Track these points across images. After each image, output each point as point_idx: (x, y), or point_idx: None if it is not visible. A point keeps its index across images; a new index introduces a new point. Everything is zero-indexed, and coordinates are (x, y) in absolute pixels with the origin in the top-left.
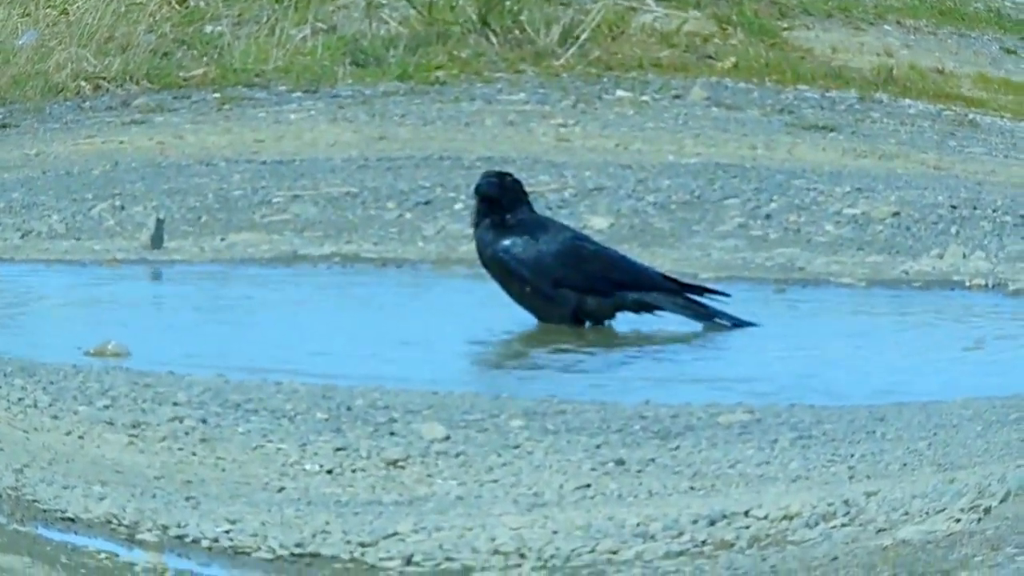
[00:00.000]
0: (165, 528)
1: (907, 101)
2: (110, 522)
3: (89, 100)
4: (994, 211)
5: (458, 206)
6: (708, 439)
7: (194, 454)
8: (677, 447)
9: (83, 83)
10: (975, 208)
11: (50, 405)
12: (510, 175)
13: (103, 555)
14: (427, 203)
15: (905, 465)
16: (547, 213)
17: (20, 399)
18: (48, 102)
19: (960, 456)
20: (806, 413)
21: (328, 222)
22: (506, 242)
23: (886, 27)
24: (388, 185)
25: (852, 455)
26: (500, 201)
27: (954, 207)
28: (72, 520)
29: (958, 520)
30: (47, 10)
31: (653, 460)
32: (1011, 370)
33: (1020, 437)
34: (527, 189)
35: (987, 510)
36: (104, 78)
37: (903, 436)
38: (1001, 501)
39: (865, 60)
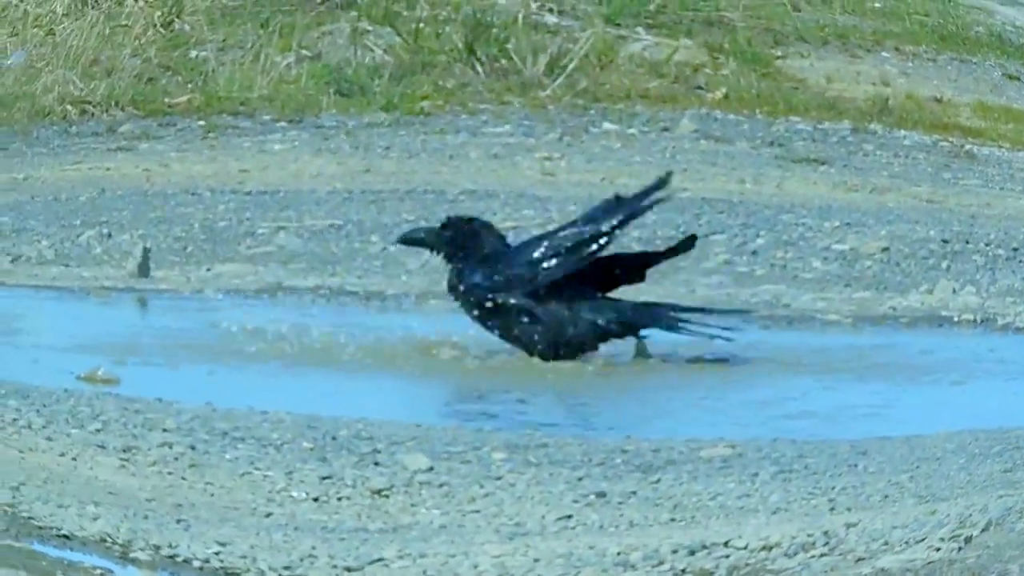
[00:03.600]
0: (157, 548)
1: (902, 132)
2: (104, 540)
3: (75, 124)
4: (987, 244)
5: None
6: (689, 472)
7: (184, 479)
8: (658, 480)
9: (69, 107)
10: (967, 242)
11: (44, 427)
12: (458, 219)
13: (98, 571)
14: None
15: (886, 497)
16: None
17: (15, 420)
18: (35, 125)
19: (942, 488)
20: (788, 447)
21: (312, 254)
22: (475, 278)
23: (884, 54)
24: (372, 218)
25: (833, 488)
26: (454, 244)
27: (945, 241)
28: (67, 537)
29: (938, 549)
30: (35, 30)
31: (634, 492)
32: (995, 404)
33: (1003, 468)
34: (512, 224)
35: (968, 539)
36: (90, 102)
37: (885, 469)
38: (983, 530)
39: (860, 90)
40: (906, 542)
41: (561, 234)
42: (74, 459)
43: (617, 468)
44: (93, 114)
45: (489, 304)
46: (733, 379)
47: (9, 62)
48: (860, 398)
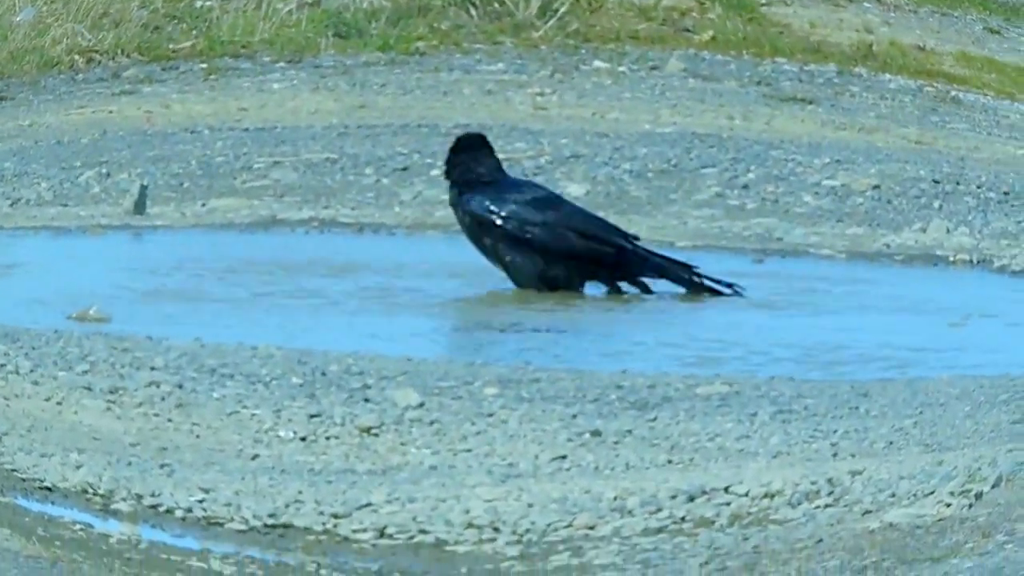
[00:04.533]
0: (139, 497)
1: (887, 76)
2: (86, 491)
3: (82, 73)
4: (978, 187)
5: (434, 172)
6: (686, 411)
7: (170, 420)
8: (655, 418)
9: (77, 56)
10: (958, 183)
11: (31, 371)
12: (475, 135)
13: (78, 526)
14: (404, 169)
15: (891, 444)
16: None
17: (2, 365)
18: (44, 75)
19: (948, 437)
20: (786, 386)
21: (307, 187)
22: (478, 196)
23: (865, 4)
24: (367, 152)
25: (835, 431)
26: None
27: (936, 182)
28: (50, 489)
29: (948, 505)
30: None
31: (630, 431)
32: (998, 349)
33: (1010, 419)
34: (504, 156)
35: (978, 495)
36: (97, 51)
37: (888, 413)
38: (993, 486)
39: (844, 36)
40: (914, 495)
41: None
42: (59, 403)
43: (612, 405)
44: (100, 62)
45: (484, 224)
46: (725, 315)
47: (19, 19)
48: (858, 336)
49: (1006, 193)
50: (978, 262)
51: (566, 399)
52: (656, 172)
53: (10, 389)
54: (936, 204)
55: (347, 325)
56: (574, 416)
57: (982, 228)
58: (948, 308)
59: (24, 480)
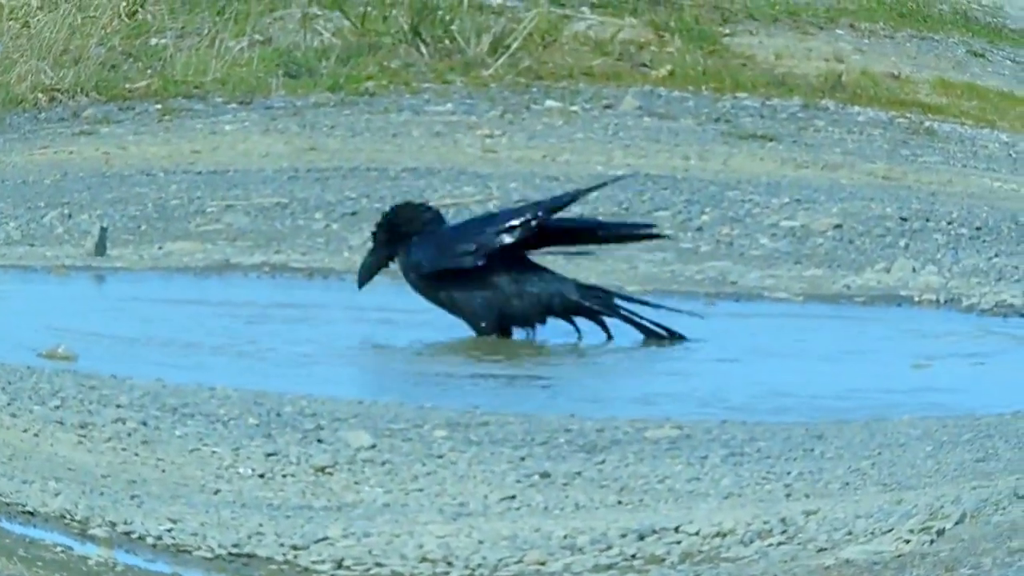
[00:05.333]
0: (113, 525)
1: (856, 108)
2: (64, 517)
3: (44, 111)
4: (948, 223)
5: None
6: (635, 453)
7: (136, 455)
8: (603, 461)
9: (40, 94)
10: (927, 220)
11: (8, 404)
12: (390, 212)
13: (59, 548)
14: (353, 214)
15: (847, 484)
16: None
17: None
18: (9, 113)
19: (908, 476)
20: (738, 430)
21: (258, 232)
22: (418, 254)
23: (838, 31)
24: (316, 196)
25: (788, 472)
26: (398, 228)
27: (904, 219)
28: (32, 514)
29: (907, 541)
30: (10, 22)
31: (579, 473)
32: (962, 389)
33: (974, 458)
34: (452, 201)
35: (940, 532)
36: (59, 89)
37: (844, 455)
38: (956, 523)
39: (812, 66)
40: (871, 532)
41: (501, 213)
42: (36, 435)
43: (560, 448)
44: (61, 101)
45: (433, 277)
46: (679, 360)
47: None
48: (813, 379)
49: (978, 228)
50: (945, 301)
51: (515, 442)
52: (607, 216)
53: None
54: (902, 243)
55: (299, 368)
56: (523, 458)
57: (951, 266)
58: (911, 349)
59: (8, 504)
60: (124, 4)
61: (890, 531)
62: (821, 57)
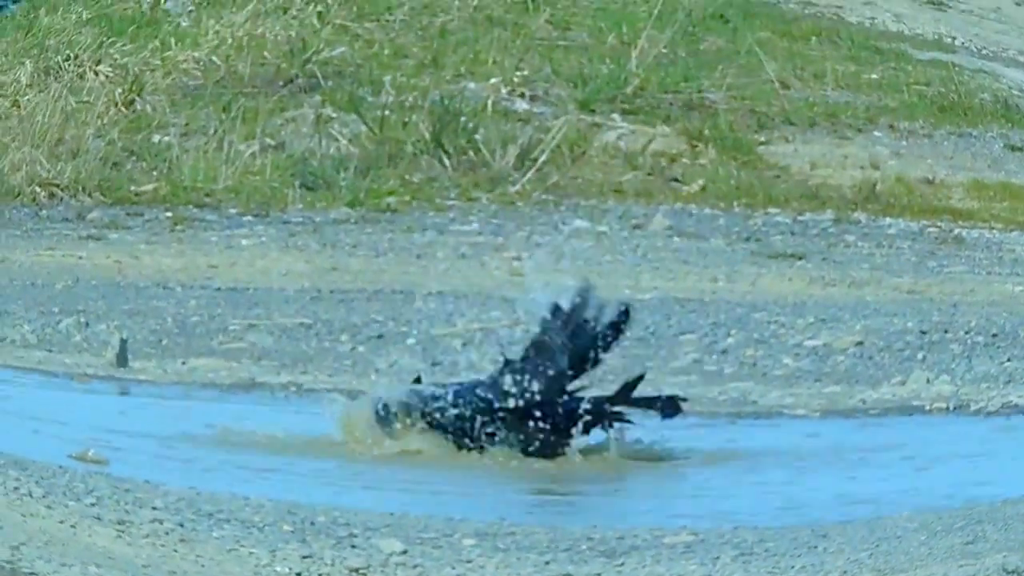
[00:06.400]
0: None
1: (887, 220)
2: None
3: (45, 208)
4: (966, 332)
5: (410, 340)
6: (652, 557)
7: (175, 551)
8: (622, 564)
9: (38, 188)
10: (946, 331)
11: (43, 496)
12: None
13: None
14: (379, 337)
15: (844, 573)
16: (497, 350)
17: (16, 488)
18: (6, 205)
19: (901, 562)
20: (749, 534)
21: (284, 352)
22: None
23: (876, 133)
24: (341, 318)
25: (792, 567)
26: None
27: (924, 332)
28: None
29: None
30: (0, 99)
31: (600, 575)
32: (961, 484)
33: (964, 541)
34: (479, 326)
35: None
36: (58, 185)
37: (845, 549)
38: None
39: (847, 175)
40: None
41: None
42: (73, 527)
43: (583, 553)
44: (61, 198)
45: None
46: (695, 472)
47: None
48: (821, 486)
49: (994, 335)
50: (955, 408)
51: (539, 549)
52: (633, 340)
53: (25, 509)
54: (920, 355)
55: (333, 481)
56: (547, 563)
57: (964, 374)
58: (916, 453)
59: None
60: (120, 91)
61: None
62: (857, 165)
